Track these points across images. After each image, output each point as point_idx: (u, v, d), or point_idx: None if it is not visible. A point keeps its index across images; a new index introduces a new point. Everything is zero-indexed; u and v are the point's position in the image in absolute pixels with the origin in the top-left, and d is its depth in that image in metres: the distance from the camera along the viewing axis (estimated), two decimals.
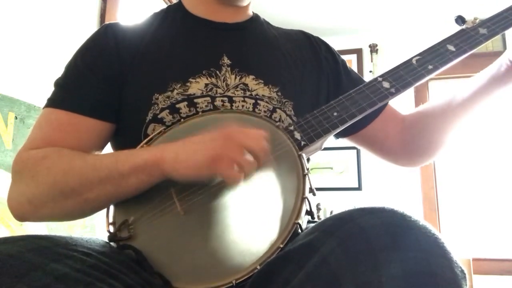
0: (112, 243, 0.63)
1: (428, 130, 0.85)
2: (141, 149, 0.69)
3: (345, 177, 2.94)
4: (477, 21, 0.79)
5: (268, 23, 0.94)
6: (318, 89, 0.86)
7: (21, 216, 0.69)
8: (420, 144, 0.88)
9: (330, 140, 0.84)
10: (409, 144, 0.89)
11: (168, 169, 0.62)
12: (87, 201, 0.65)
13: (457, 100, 0.80)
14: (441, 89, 2.89)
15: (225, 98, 0.76)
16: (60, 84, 0.78)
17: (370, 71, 3.00)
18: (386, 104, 0.90)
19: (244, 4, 0.86)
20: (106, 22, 1.77)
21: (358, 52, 3.11)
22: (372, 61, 3.02)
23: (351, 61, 3.07)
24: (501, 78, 0.75)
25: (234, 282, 0.55)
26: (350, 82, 0.88)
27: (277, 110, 0.77)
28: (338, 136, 0.90)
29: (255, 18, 0.91)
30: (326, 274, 0.44)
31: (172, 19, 0.86)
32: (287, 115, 0.78)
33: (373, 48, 3.04)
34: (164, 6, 0.91)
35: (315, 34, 0.96)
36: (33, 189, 0.66)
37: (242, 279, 0.55)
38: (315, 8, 2.81)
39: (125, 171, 0.63)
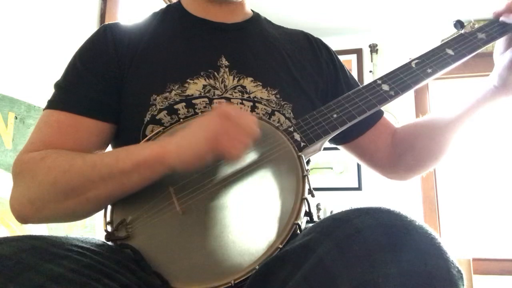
0: (109, 243, 0.63)
1: (416, 147, 0.85)
2: (142, 145, 0.68)
3: (345, 177, 2.94)
4: (476, 26, 0.80)
5: (269, 22, 0.94)
6: (316, 92, 0.86)
7: (23, 217, 0.69)
8: (407, 159, 0.88)
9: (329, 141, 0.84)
10: (397, 158, 0.89)
11: (172, 161, 0.62)
12: (88, 200, 0.65)
13: (444, 120, 0.81)
14: (441, 89, 2.89)
15: (223, 100, 0.76)
16: (60, 86, 0.78)
17: (370, 71, 3.00)
18: (381, 115, 0.91)
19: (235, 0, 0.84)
20: (106, 22, 1.77)
21: (358, 52, 3.10)
22: (372, 61, 3.02)
23: (351, 61, 3.07)
24: (485, 101, 0.77)
25: (232, 282, 0.55)
26: (349, 88, 0.87)
27: (276, 113, 0.77)
28: (332, 141, 0.89)
29: (255, 17, 0.91)
30: (323, 275, 0.44)
31: (171, 19, 0.86)
32: (286, 117, 0.77)
33: (373, 48, 3.04)
34: (164, 6, 0.91)
35: (315, 34, 0.95)
36: (34, 190, 0.66)
37: (241, 279, 0.55)
38: (315, 8, 2.81)
39: (126, 168, 0.62)
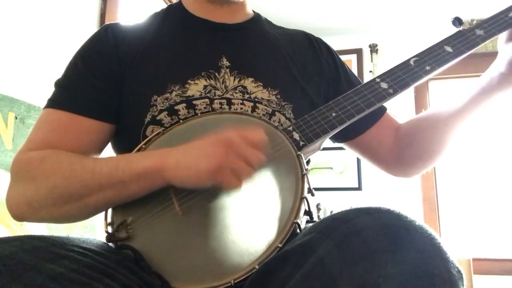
0: (110, 244, 0.63)
1: (419, 141, 0.85)
2: (142, 155, 0.68)
3: (345, 177, 2.94)
4: (474, 22, 0.80)
5: (269, 23, 0.94)
6: (318, 91, 0.86)
7: (19, 216, 0.69)
8: (411, 154, 0.87)
9: (329, 141, 0.84)
10: (401, 154, 0.88)
11: (169, 177, 0.61)
12: (87, 206, 0.65)
13: (448, 112, 0.80)
14: (441, 89, 2.89)
15: (224, 100, 0.76)
16: (60, 85, 0.78)
17: (370, 71, 3.00)
18: (384, 112, 0.91)
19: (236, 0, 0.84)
20: (106, 22, 1.77)
21: (358, 52, 3.10)
22: (372, 61, 3.02)
23: (351, 61, 3.07)
24: (492, 90, 0.76)
25: (232, 282, 0.55)
26: (350, 86, 0.87)
27: (276, 113, 0.77)
28: (334, 139, 0.89)
29: (256, 18, 0.91)
30: (323, 275, 0.44)
31: (172, 20, 0.86)
32: (286, 118, 0.77)
33: (373, 48, 3.04)
34: (164, 6, 0.91)
35: (315, 34, 0.95)
36: (32, 192, 0.66)
37: (241, 278, 0.55)
38: (316, 8, 2.81)
39: (125, 178, 0.62)
